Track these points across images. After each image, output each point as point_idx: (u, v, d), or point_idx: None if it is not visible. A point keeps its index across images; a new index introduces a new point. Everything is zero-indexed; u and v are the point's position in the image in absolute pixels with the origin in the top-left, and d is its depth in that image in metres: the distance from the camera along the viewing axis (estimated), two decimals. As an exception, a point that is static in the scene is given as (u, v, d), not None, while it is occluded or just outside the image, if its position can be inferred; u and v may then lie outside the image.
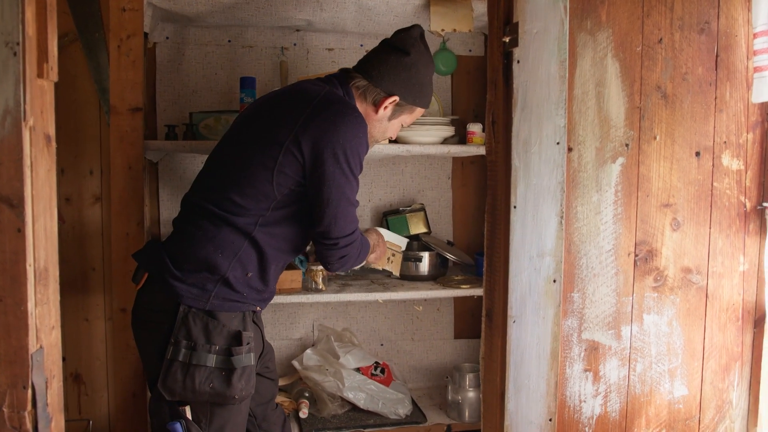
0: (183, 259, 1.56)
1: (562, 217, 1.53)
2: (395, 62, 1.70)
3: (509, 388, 1.56)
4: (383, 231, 2.08)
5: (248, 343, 1.55)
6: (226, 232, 1.55)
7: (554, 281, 1.54)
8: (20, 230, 1.06)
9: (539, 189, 1.53)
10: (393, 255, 2.15)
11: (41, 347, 1.10)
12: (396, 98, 1.71)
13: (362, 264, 1.93)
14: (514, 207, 1.53)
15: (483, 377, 1.69)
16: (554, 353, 1.55)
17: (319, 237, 1.62)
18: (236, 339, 1.54)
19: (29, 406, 1.08)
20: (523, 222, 1.53)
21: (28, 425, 1.08)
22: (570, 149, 1.56)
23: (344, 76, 1.75)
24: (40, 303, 1.11)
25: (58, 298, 1.18)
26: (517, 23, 1.49)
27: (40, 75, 1.11)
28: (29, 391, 1.07)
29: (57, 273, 1.18)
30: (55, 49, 1.15)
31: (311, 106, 1.58)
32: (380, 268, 2.10)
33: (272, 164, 1.53)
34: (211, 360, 1.51)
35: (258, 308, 1.66)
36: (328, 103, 1.59)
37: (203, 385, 1.50)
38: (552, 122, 1.51)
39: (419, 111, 1.81)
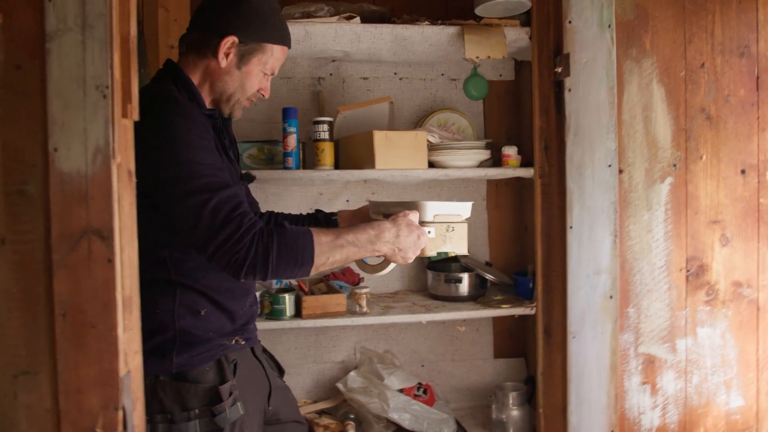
0: None
1: (616, 235, 1.59)
2: (221, 1, 1.43)
3: (571, 402, 1.61)
4: (431, 204, 1.48)
5: (231, 394, 1.39)
6: (149, 298, 1.32)
7: (611, 297, 1.60)
8: (110, 260, 1.12)
9: (593, 210, 1.59)
10: (450, 230, 1.50)
11: (129, 371, 1.16)
12: (233, 38, 1.40)
13: (382, 267, 1.46)
14: (570, 227, 1.59)
15: (542, 392, 1.74)
16: (613, 367, 1.60)
17: (205, 258, 1.29)
18: (214, 396, 1.37)
19: (120, 428, 1.12)
20: (579, 241, 1.59)
21: (119, 446, 1.13)
22: (621, 171, 1.62)
23: (179, 47, 1.47)
24: (127, 329, 1.16)
25: (140, 324, 1.24)
26: (567, 54, 1.57)
27: (124, 115, 1.17)
28: (120, 413, 1.12)
29: (138, 300, 1.24)
30: (136, 90, 1.22)
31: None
32: (433, 254, 1.47)
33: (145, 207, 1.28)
34: (193, 427, 1.36)
35: (241, 342, 1.45)
36: (145, 115, 1.25)
37: None
38: (603, 146, 1.59)
39: (278, 49, 1.49)
